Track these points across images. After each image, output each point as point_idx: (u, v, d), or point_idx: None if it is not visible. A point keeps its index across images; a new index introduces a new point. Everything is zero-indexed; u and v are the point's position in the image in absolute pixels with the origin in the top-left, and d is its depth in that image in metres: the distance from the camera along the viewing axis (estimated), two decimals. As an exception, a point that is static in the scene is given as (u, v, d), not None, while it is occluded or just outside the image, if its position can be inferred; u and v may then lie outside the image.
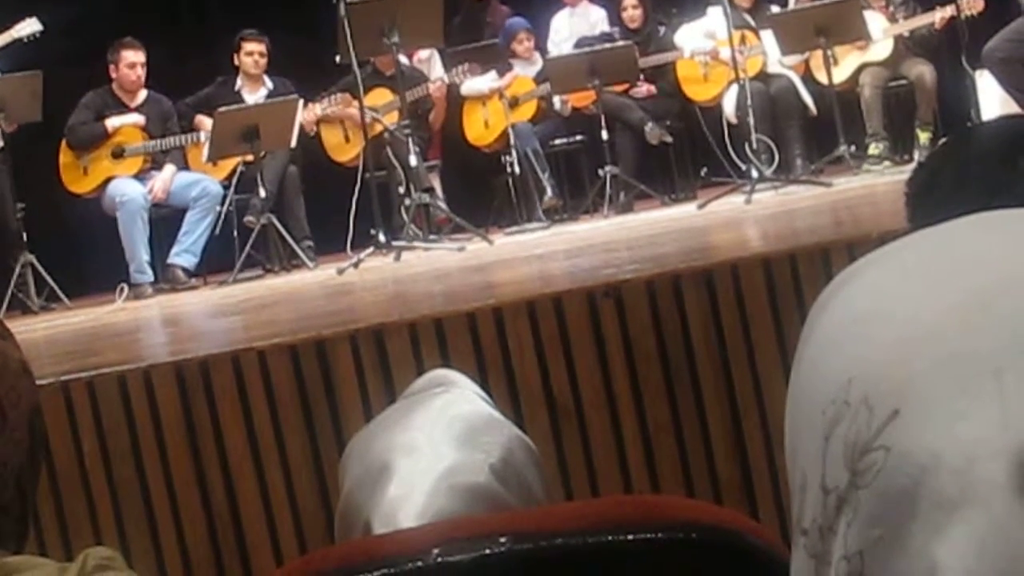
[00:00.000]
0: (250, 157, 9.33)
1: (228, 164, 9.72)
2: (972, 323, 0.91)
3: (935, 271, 0.98)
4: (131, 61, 9.73)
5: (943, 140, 1.50)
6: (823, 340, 1.01)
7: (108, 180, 9.54)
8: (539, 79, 10.39)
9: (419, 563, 1.42)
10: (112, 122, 9.66)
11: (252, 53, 10.09)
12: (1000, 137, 1.36)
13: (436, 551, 1.42)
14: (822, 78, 9.60)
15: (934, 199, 1.34)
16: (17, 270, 8.80)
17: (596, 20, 10.88)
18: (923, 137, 9.54)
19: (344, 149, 10.14)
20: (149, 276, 9.30)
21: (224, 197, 9.53)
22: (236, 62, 10.18)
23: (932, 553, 0.86)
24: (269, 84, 10.17)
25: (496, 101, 10.35)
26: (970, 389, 0.88)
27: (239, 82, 10.17)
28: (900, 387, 0.91)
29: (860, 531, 0.90)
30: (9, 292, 8.67)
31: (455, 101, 10.46)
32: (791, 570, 1.00)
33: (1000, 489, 0.85)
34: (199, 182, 9.53)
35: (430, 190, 9.28)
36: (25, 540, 1.49)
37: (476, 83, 10.39)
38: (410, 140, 8.56)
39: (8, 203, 9.09)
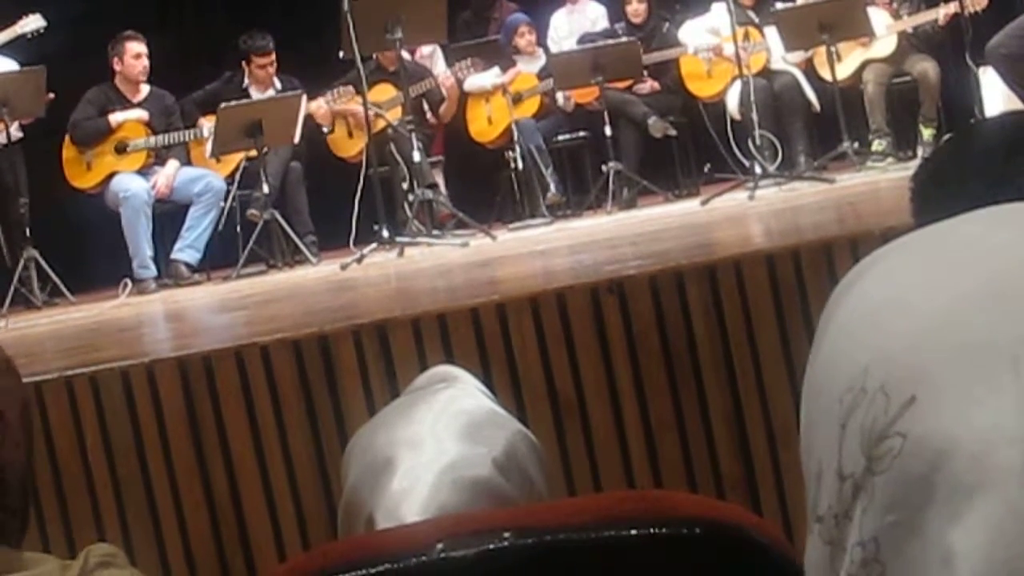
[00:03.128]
0: (253, 152, 9.33)
1: (232, 161, 9.71)
2: (988, 311, 0.91)
3: (949, 262, 0.98)
4: (137, 51, 9.73)
5: (947, 136, 1.50)
6: (840, 331, 1.01)
7: (111, 175, 9.54)
8: (542, 75, 10.39)
9: (423, 558, 1.42)
10: (115, 117, 9.66)
11: (264, 66, 10.07)
12: (1004, 132, 1.36)
13: (439, 546, 1.42)
14: (826, 74, 9.59)
15: (939, 194, 1.34)
16: (21, 265, 8.80)
17: (595, 17, 10.88)
18: (926, 133, 9.53)
19: (347, 145, 10.14)
20: (152, 271, 9.30)
21: (227, 193, 9.53)
22: (244, 69, 10.16)
23: (947, 539, 0.86)
24: (277, 84, 10.16)
25: (499, 97, 10.35)
26: (986, 376, 0.89)
27: (247, 80, 10.16)
28: (917, 374, 0.91)
29: (876, 517, 0.91)
30: (13, 287, 8.67)
31: (458, 97, 10.46)
32: (805, 557, 1.00)
33: (1016, 475, 0.85)
34: (202, 177, 9.53)
35: (433, 186, 9.29)
36: (24, 534, 1.49)
37: (479, 79, 10.39)
38: (413, 136, 8.55)
39: (15, 196, 9.10)
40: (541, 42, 10.71)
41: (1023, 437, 0.86)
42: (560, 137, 10.46)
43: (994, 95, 9.03)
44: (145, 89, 9.87)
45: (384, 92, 9.80)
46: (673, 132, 10.11)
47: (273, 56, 10.06)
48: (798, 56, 9.95)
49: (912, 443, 0.89)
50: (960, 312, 0.92)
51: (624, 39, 10.18)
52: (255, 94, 10.05)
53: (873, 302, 1.00)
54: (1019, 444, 0.86)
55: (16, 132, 9.24)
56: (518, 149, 9.90)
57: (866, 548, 0.91)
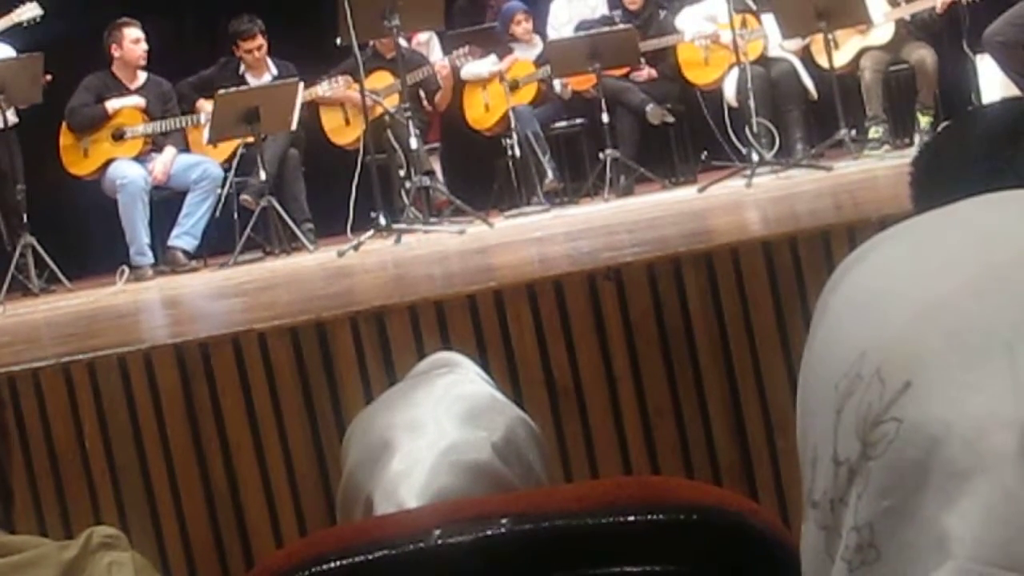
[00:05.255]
0: (251, 139, 9.32)
1: (228, 146, 9.70)
2: (983, 298, 0.92)
3: (946, 249, 0.98)
4: (135, 37, 9.74)
5: (947, 121, 1.49)
6: (835, 318, 1.01)
7: (109, 162, 9.54)
8: (539, 62, 10.37)
9: (420, 544, 1.42)
10: (112, 104, 9.65)
11: (251, 50, 10.06)
12: (1003, 118, 1.36)
13: (437, 532, 1.42)
14: (823, 62, 9.58)
15: (938, 180, 1.34)
16: (17, 252, 8.80)
17: (595, 4, 10.85)
18: (924, 121, 9.52)
19: (344, 132, 10.13)
20: (149, 258, 9.30)
21: (224, 179, 9.52)
22: (237, 53, 10.16)
23: (942, 523, 0.87)
24: (273, 70, 10.14)
25: (496, 84, 10.34)
26: (982, 362, 0.89)
27: (242, 66, 10.15)
28: (912, 360, 0.91)
29: (870, 502, 0.91)
30: (10, 274, 8.67)
31: (455, 84, 10.45)
32: (801, 543, 1.00)
33: (1011, 460, 0.85)
34: (200, 164, 9.52)
35: (430, 173, 9.28)
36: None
37: (476, 66, 10.37)
38: (410, 123, 8.55)
39: (12, 183, 9.09)
40: (539, 29, 10.70)
41: (1017, 422, 0.86)
42: (557, 124, 10.45)
43: (991, 83, 9.03)
44: (142, 76, 9.86)
45: (381, 79, 9.79)
46: (670, 119, 10.10)
47: (259, 39, 10.04)
48: (795, 43, 9.94)
49: (907, 428, 0.90)
50: (955, 299, 0.93)
51: (621, 26, 10.17)
52: (251, 79, 10.04)
53: (869, 289, 1.00)
54: (1013, 429, 0.86)
55: (12, 117, 9.23)
56: (515, 136, 9.89)
57: (861, 533, 0.91)
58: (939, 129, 1.44)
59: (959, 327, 0.91)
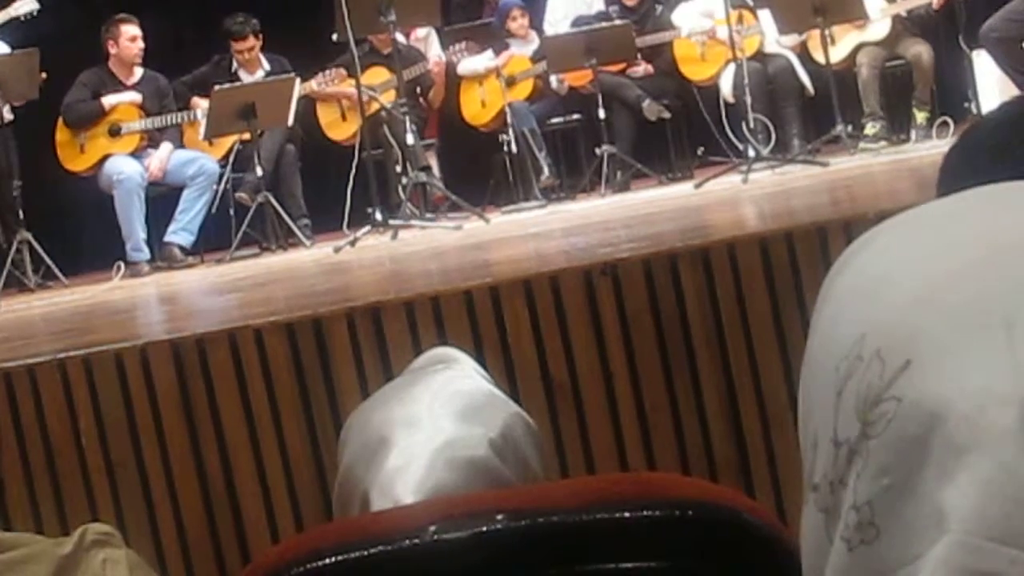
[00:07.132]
0: (247, 135, 9.32)
1: (225, 142, 9.71)
2: (984, 278, 0.92)
3: (948, 235, 0.99)
4: (132, 35, 9.75)
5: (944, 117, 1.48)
6: (837, 304, 1.01)
7: (105, 158, 9.54)
8: (536, 58, 10.37)
9: (416, 540, 1.42)
10: (109, 100, 9.66)
11: (242, 51, 10.08)
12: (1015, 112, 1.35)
13: (433, 528, 1.42)
14: (819, 58, 9.58)
15: (963, 169, 1.33)
16: (14, 248, 8.80)
17: (591, -1, 10.87)
18: (920, 117, 9.52)
19: (341, 127, 10.13)
20: (146, 254, 9.30)
21: (221, 175, 9.52)
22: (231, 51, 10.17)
23: (940, 498, 0.87)
24: (266, 66, 10.14)
25: (493, 80, 10.33)
26: (981, 339, 0.89)
27: (235, 63, 10.15)
28: (912, 339, 0.92)
29: (870, 481, 0.91)
30: (6, 270, 8.67)
31: (452, 80, 10.45)
32: (801, 527, 1.00)
33: (1010, 435, 0.86)
34: (196, 160, 9.52)
35: (427, 169, 9.28)
36: None
37: (473, 62, 10.38)
38: (407, 118, 8.56)
39: (8, 179, 9.09)
40: (535, 25, 10.70)
41: (1016, 398, 0.87)
42: (554, 120, 10.44)
43: (988, 79, 9.04)
44: (139, 72, 9.86)
45: (378, 75, 9.79)
46: (667, 115, 10.10)
47: (251, 40, 10.05)
48: (792, 39, 9.94)
49: (906, 406, 0.90)
50: (955, 279, 0.93)
51: (617, 22, 10.17)
52: (244, 76, 10.03)
53: (870, 275, 1.00)
54: (1012, 405, 0.87)
55: (7, 114, 9.23)
56: (512, 132, 9.88)
57: (860, 512, 0.92)
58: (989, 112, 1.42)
59: (958, 306, 0.92)
